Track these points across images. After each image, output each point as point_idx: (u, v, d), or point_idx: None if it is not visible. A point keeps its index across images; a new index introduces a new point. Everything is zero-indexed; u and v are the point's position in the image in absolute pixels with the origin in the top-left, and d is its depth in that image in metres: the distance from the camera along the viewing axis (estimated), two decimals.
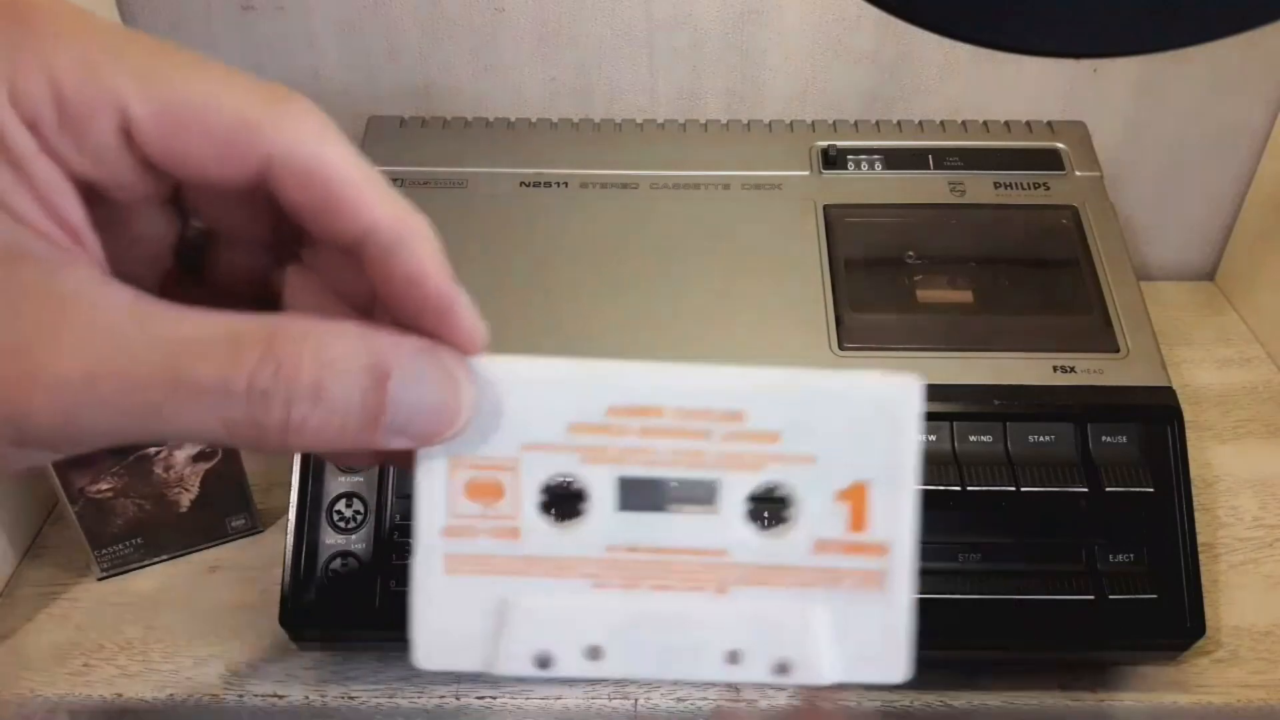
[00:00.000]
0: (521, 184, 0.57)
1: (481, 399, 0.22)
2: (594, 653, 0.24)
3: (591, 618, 0.24)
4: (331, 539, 0.46)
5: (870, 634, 0.24)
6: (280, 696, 0.47)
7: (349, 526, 0.47)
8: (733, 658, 0.24)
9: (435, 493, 0.23)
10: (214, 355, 0.19)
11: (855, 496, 0.24)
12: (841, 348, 0.49)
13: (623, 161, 0.58)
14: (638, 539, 0.24)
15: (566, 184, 0.57)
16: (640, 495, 0.24)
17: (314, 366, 0.20)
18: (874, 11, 0.36)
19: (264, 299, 0.25)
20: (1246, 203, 0.73)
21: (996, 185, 0.57)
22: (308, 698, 0.47)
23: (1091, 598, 0.45)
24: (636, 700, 0.47)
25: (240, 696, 0.47)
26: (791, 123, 0.61)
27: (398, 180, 0.57)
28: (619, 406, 0.23)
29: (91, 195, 0.21)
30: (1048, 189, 0.56)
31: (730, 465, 0.24)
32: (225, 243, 0.24)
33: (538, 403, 0.23)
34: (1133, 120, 0.70)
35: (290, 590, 0.46)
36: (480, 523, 0.24)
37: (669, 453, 0.23)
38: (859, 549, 0.24)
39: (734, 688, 0.47)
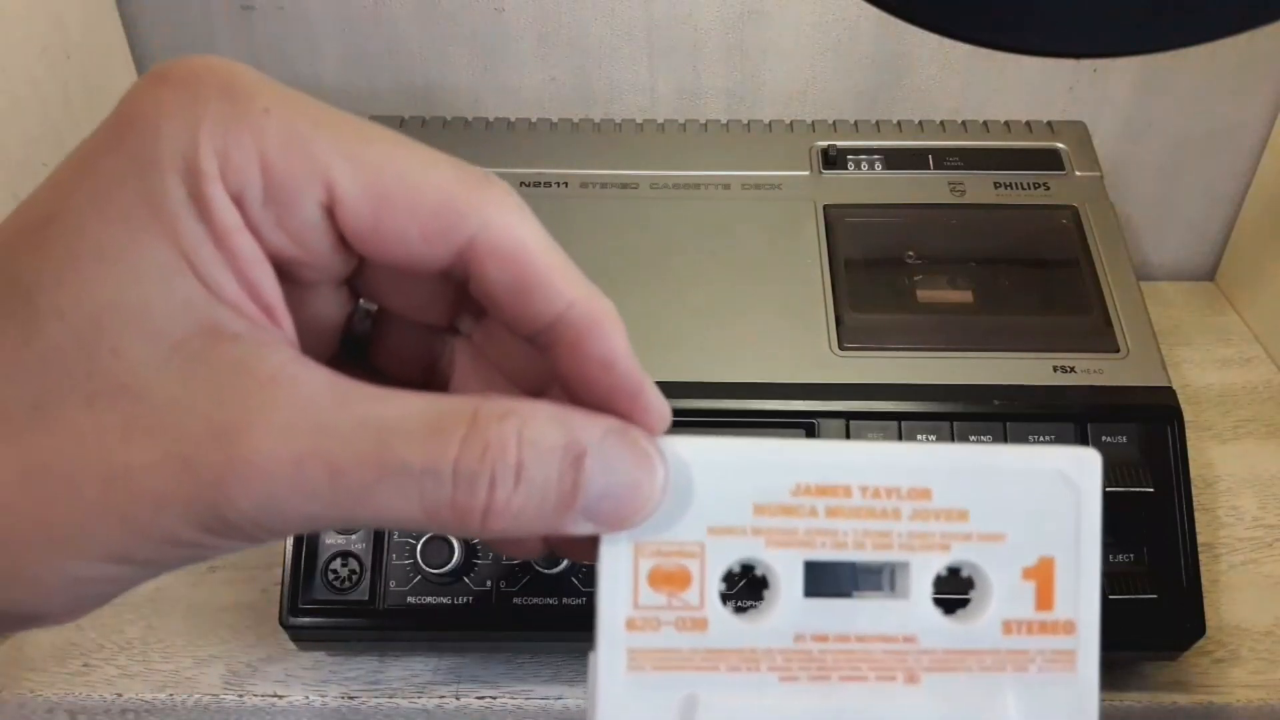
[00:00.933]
0: (521, 184, 0.57)
1: (668, 481, 0.22)
2: None
3: (782, 714, 0.22)
4: (331, 539, 0.46)
5: (1059, 710, 0.23)
6: (280, 696, 0.47)
7: (349, 526, 0.47)
8: None
9: (620, 582, 0.22)
10: (421, 436, 0.19)
11: (1043, 574, 0.23)
12: (841, 348, 0.49)
13: (623, 161, 0.58)
14: (826, 627, 0.23)
15: (566, 184, 0.57)
16: (828, 581, 0.23)
17: (516, 445, 0.19)
18: (874, 11, 0.36)
19: (425, 383, 0.24)
20: (1246, 203, 0.73)
21: (996, 185, 0.57)
22: (308, 698, 0.47)
23: None
24: None
25: (240, 696, 0.47)
26: (791, 123, 0.61)
27: None
28: (805, 486, 0.22)
29: (281, 273, 0.20)
30: (1048, 189, 0.56)
31: (919, 546, 0.23)
32: (394, 324, 0.24)
33: (723, 483, 0.22)
34: (1133, 120, 0.70)
35: (290, 590, 0.46)
36: (665, 614, 0.22)
37: (856, 534, 0.22)
38: (1047, 628, 0.23)
39: None
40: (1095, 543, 0.23)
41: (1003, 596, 0.23)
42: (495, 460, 0.19)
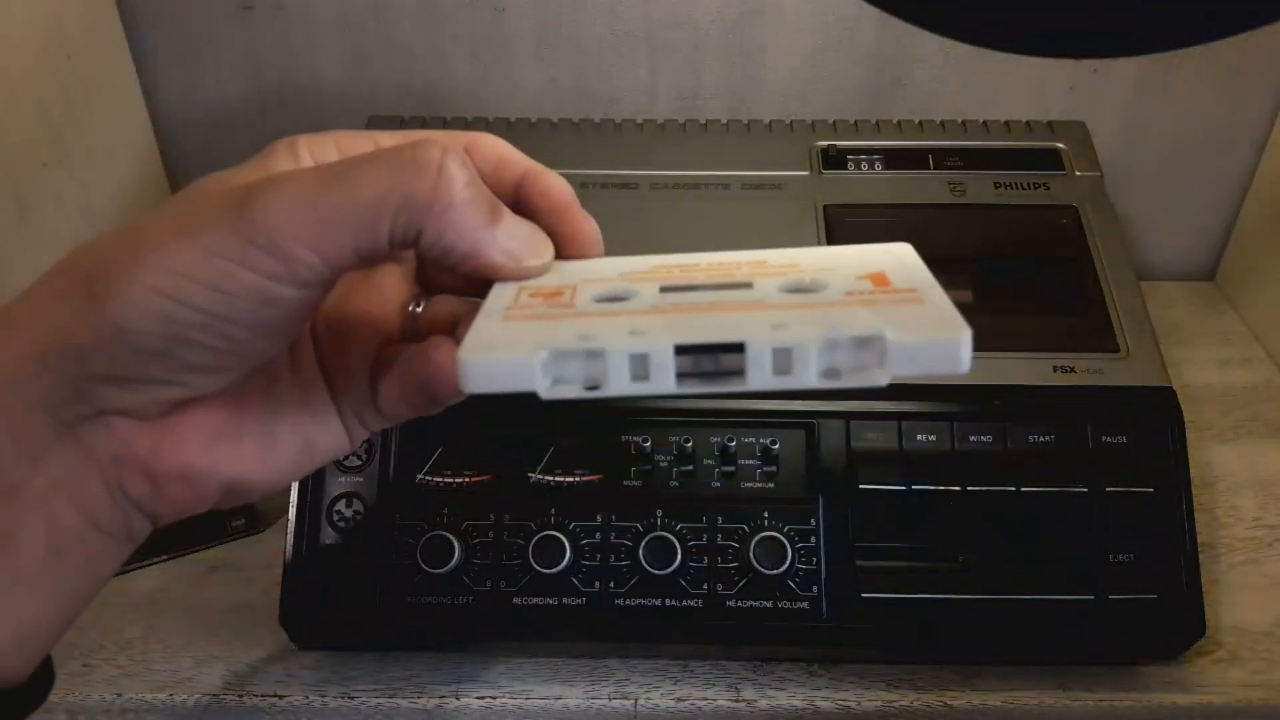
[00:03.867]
0: None
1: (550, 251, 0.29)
2: (636, 333, 0.25)
3: (636, 318, 0.26)
4: (331, 539, 0.46)
5: (922, 327, 0.24)
6: (280, 696, 0.47)
7: (349, 526, 0.47)
8: (778, 326, 0.25)
9: (502, 295, 0.27)
10: (380, 153, 0.27)
11: (877, 278, 0.26)
12: None
13: (623, 161, 0.58)
14: (679, 300, 0.26)
15: None
16: (681, 291, 0.27)
17: (461, 162, 0.26)
18: (874, 11, 0.36)
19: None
20: (1246, 203, 0.73)
21: (996, 185, 0.57)
22: (308, 698, 0.47)
23: (1091, 598, 0.45)
24: (636, 700, 0.47)
25: (240, 696, 0.47)
26: (791, 123, 0.61)
27: None
28: (661, 264, 0.28)
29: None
30: (1048, 189, 0.56)
31: (758, 276, 0.27)
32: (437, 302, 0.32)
33: (599, 264, 0.29)
34: (1133, 120, 0.70)
35: (290, 590, 0.46)
36: (538, 303, 0.27)
37: (704, 276, 0.27)
38: (888, 291, 0.26)
39: (734, 687, 0.47)
40: (922, 267, 0.27)
41: (840, 286, 0.26)
42: (445, 152, 0.26)
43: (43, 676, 0.29)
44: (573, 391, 0.24)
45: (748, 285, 0.26)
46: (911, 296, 0.25)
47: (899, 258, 0.27)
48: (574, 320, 0.25)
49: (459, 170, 0.26)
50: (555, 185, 0.31)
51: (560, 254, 0.30)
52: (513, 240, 0.28)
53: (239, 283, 0.25)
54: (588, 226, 0.31)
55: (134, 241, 0.26)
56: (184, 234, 0.25)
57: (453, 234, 0.26)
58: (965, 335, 0.23)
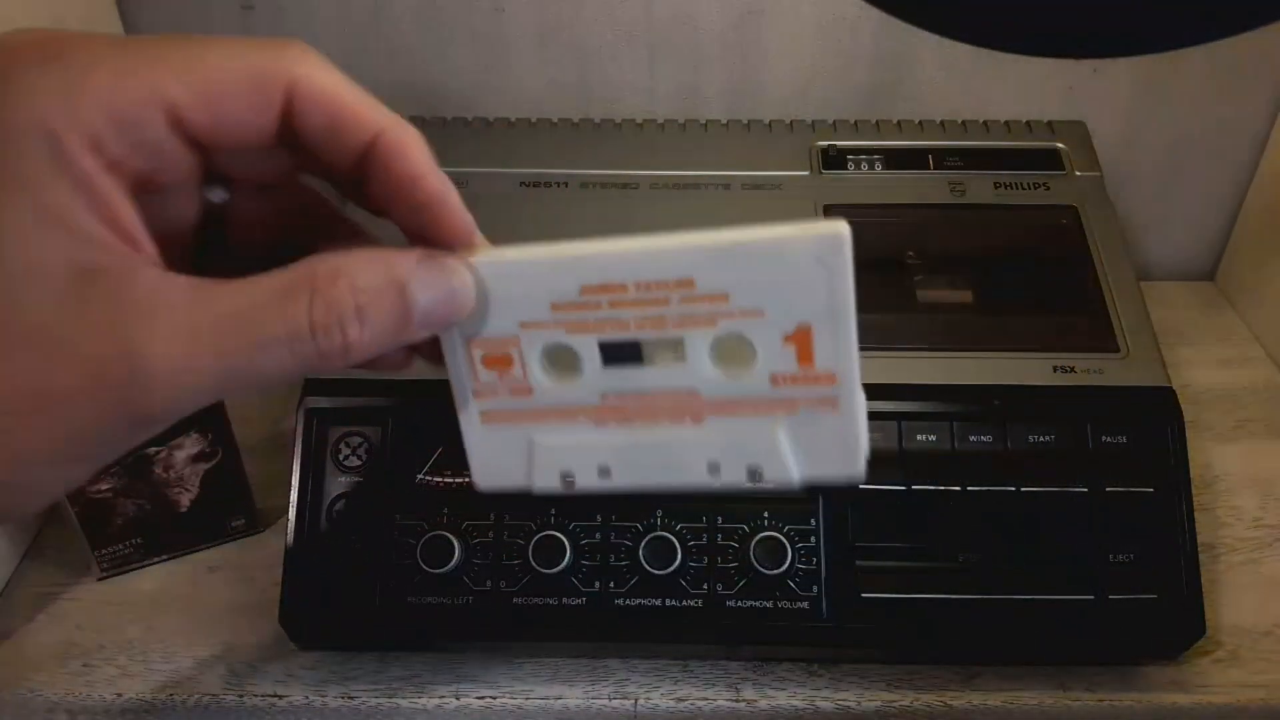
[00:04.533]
0: (521, 184, 0.57)
1: (478, 287, 0.27)
2: (604, 472, 0.29)
3: (598, 447, 0.29)
4: (331, 539, 0.46)
5: (828, 443, 0.28)
6: (280, 696, 0.47)
7: (349, 527, 0.47)
8: (713, 468, 0.29)
9: (461, 365, 0.29)
10: (276, 312, 0.23)
11: (801, 339, 0.27)
12: None
13: (623, 161, 0.58)
14: (624, 387, 0.29)
15: (566, 184, 0.57)
16: (620, 353, 0.28)
17: (352, 295, 0.24)
18: (874, 11, 0.36)
19: (281, 245, 0.28)
20: (1246, 203, 0.73)
21: (996, 185, 0.57)
22: (308, 698, 0.47)
23: (1091, 598, 0.45)
24: (636, 700, 0.47)
25: (240, 696, 0.47)
26: (791, 123, 0.61)
27: None
28: (589, 286, 0.27)
29: (142, 188, 0.24)
30: (1048, 189, 0.56)
31: (689, 325, 0.27)
32: (244, 209, 0.28)
33: (524, 289, 0.28)
34: (1133, 120, 0.70)
35: (290, 590, 0.46)
36: (500, 385, 0.29)
37: (636, 319, 0.27)
38: (810, 379, 0.27)
39: (734, 687, 0.47)
40: (849, 307, 0.27)
41: (767, 357, 0.27)
42: (340, 312, 0.24)
43: None
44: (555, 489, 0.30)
45: (679, 346, 0.28)
46: (829, 396, 0.28)
47: (829, 289, 0.27)
48: (541, 427, 0.30)
49: (361, 329, 0.25)
50: (413, 164, 0.26)
51: (433, 244, 0.27)
52: (432, 313, 0.26)
53: (125, 450, 0.25)
54: (458, 218, 0.27)
55: None
56: (62, 429, 0.23)
57: (371, 353, 0.25)
58: (860, 472, 0.28)
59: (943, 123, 0.60)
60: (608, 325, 0.28)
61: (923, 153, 0.58)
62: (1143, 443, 0.46)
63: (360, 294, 0.24)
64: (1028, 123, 0.60)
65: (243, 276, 0.24)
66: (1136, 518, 0.46)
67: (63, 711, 0.48)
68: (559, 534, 0.45)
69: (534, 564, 0.45)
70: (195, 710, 0.48)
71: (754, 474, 0.28)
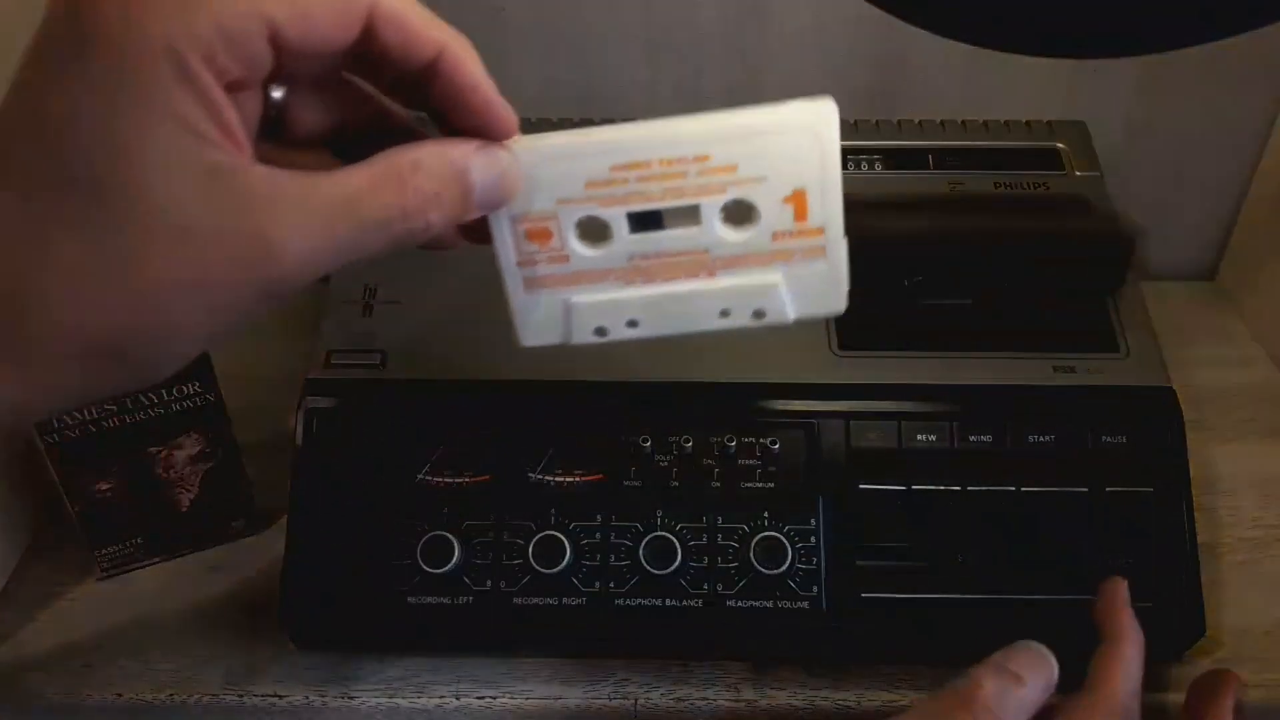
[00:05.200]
0: None
1: (522, 172, 0.32)
2: (632, 324, 0.34)
3: (627, 303, 0.34)
4: (331, 539, 0.46)
5: (818, 285, 0.34)
6: (280, 696, 0.47)
7: (349, 527, 0.47)
8: (724, 314, 0.34)
9: (506, 240, 0.33)
10: (373, 198, 0.28)
11: (797, 200, 0.32)
12: (841, 348, 0.49)
13: None
14: (648, 250, 0.33)
15: None
16: (645, 221, 0.33)
17: (429, 183, 0.29)
18: (874, 11, 0.36)
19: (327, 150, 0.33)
20: (1247, 202, 0.73)
21: (996, 185, 0.57)
22: (308, 698, 0.47)
23: (1091, 598, 0.45)
24: (636, 700, 0.47)
25: (240, 696, 0.47)
26: None
27: None
28: (618, 165, 0.32)
29: (233, 89, 0.27)
30: (1047, 189, 0.56)
31: (704, 194, 0.32)
32: (303, 107, 0.32)
33: (562, 171, 0.32)
34: (1133, 120, 0.70)
35: (290, 590, 0.46)
36: (540, 254, 0.33)
37: (659, 191, 0.32)
38: (804, 234, 0.33)
39: (734, 687, 0.47)
40: (836, 171, 0.32)
41: (769, 217, 0.33)
42: (423, 198, 0.29)
43: None
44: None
45: (695, 213, 0.33)
46: (818, 245, 0.33)
47: (821, 155, 0.32)
48: (576, 289, 0.34)
49: (438, 207, 0.30)
50: (470, 73, 0.31)
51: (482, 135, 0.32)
52: (486, 194, 0.31)
53: (255, 318, 0.28)
54: (506, 114, 0.32)
55: (143, 316, 0.26)
56: (201, 308, 0.27)
57: (443, 228, 0.30)
58: (842, 307, 0.34)
59: (943, 123, 0.60)
60: (634, 198, 0.32)
61: (922, 153, 0.58)
62: (1143, 443, 0.46)
63: (436, 180, 0.29)
64: (1028, 123, 0.60)
65: (301, 169, 0.28)
66: (1136, 518, 0.46)
67: (63, 711, 0.48)
68: (559, 534, 0.45)
69: (534, 564, 0.45)
70: (195, 710, 0.48)
71: (758, 314, 0.34)
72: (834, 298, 0.34)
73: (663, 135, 0.32)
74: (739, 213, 0.33)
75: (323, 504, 0.47)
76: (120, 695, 0.48)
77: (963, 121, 0.60)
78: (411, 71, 0.30)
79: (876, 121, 0.61)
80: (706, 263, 0.34)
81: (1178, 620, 0.45)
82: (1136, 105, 0.70)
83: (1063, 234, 0.52)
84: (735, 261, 0.33)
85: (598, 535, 0.46)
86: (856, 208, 0.54)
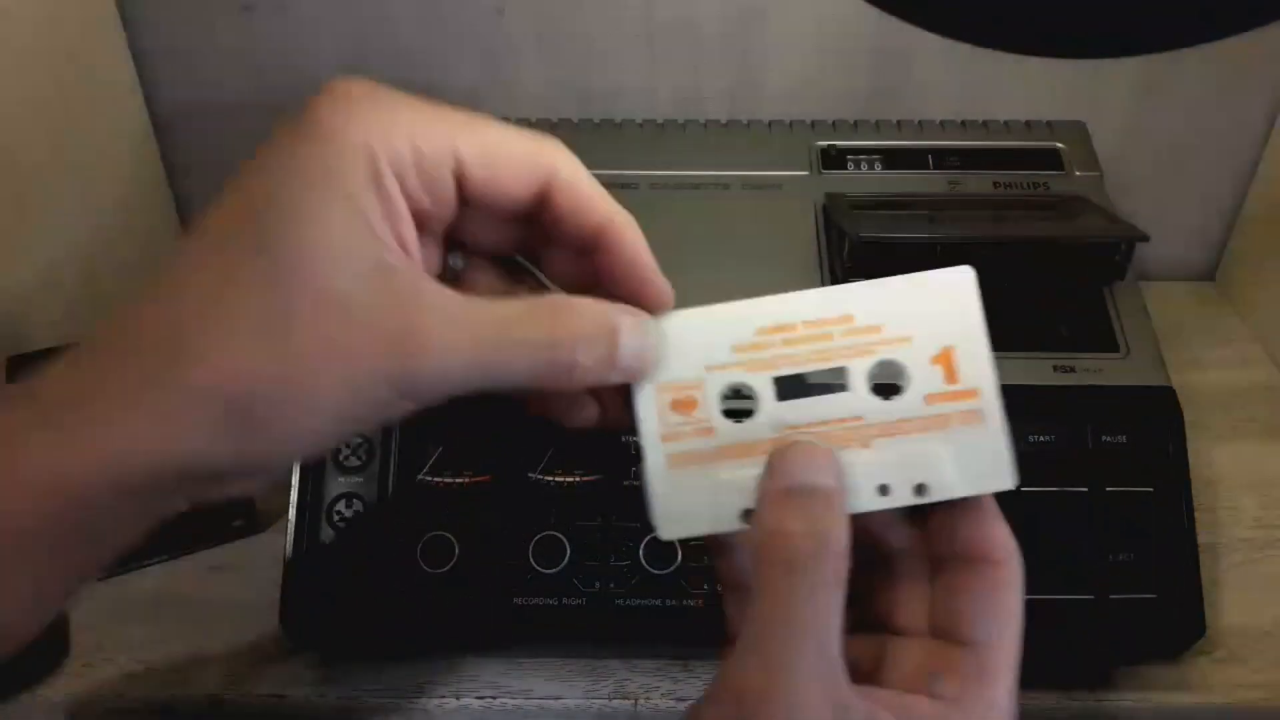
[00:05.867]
0: None
1: (668, 341, 0.32)
2: None
3: None
4: (331, 539, 0.46)
5: (979, 455, 0.32)
6: (280, 697, 0.47)
7: (349, 526, 0.47)
8: (883, 490, 0.31)
9: (650, 411, 0.32)
10: (523, 323, 0.29)
11: (946, 359, 0.32)
12: None
13: (623, 161, 0.58)
14: (797, 419, 0.32)
15: None
16: (792, 387, 0.32)
17: (583, 323, 0.30)
18: (874, 11, 0.36)
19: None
20: (1247, 203, 0.73)
21: (996, 185, 0.57)
22: (308, 698, 0.47)
23: (1091, 598, 0.45)
24: (636, 700, 0.47)
25: (240, 696, 0.47)
26: (791, 123, 0.61)
27: None
28: (763, 328, 0.32)
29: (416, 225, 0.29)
30: (1047, 189, 0.56)
31: (851, 355, 0.32)
32: (475, 266, 0.34)
33: (709, 336, 0.32)
34: (1133, 120, 0.70)
35: (290, 590, 0.46)
36: (684, 428, 0.32)
37: (805, 354, 0.32)
38: (958, 395, 0.32)
39: None
40: (982, 329, 0.32)
41: (919, 378, 0.31)
42: (573, 334, 0.29)
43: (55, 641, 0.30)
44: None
45: (842, 375, 0.32)
46: (975, 409, 0.32)
47: (963, 314, 0.32)
48: (722, 465, 0.32)
49: (584, 354, 0.30)
50: (633, 246, 0.32)
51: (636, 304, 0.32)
52: (628, 361, 0.31)
53: (383, 419, 0.29)
54: (663, 288, 0.32)
55: (286, 378, 0.27)
56: (342, 382, 0.27)
57: (583, 384, 0.31)
58: (1011, 483, 0.32)
59: (942, 123, 0.61)
60: (781, 361, 0.32)
61: (922, 153, 0.58)
62: (1143, 443, 0.46)
63: (589, 323, 0.30)
64: (1027, 123, 0.60)
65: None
66: (1136, 518, 0.46)
67: (63, 712, 0.48)
68: (559, 534, 0.45)
69: (534, 564, 0.45)
70: (195, 710, 0.48)
71: (920, 490, 0.31)
72: (1000, 471, 0.32)
73: (808, 299, 0.32)
74: (888, 375, 0.32)
75: (323, 504, 0.47)
76: (121, 695, 0.48)
77: (963, 121, 0.60)
78: (576, 238, 0.32)
79: (876, 121, 0.61)
80: (859, 432, 0.32)
81: (1177, 620, 0.45)
82: (1136, 105, 0.70)
83: (1063, 235, 0.52)
84: (890, 429, 0.31)
85: (598, 535, 0.46)
86: (857, 208, 0.54)
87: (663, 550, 0.45)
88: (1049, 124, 0.60)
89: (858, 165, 0.58)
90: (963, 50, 0.36)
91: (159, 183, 0.72)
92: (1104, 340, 0.49)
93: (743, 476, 0.31)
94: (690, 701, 0.47)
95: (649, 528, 0.46)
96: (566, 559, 0.45)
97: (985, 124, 0.60)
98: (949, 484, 0.31)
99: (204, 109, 0.71)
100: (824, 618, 0.28)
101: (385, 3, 0.66)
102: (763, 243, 0.54)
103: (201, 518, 0.53)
